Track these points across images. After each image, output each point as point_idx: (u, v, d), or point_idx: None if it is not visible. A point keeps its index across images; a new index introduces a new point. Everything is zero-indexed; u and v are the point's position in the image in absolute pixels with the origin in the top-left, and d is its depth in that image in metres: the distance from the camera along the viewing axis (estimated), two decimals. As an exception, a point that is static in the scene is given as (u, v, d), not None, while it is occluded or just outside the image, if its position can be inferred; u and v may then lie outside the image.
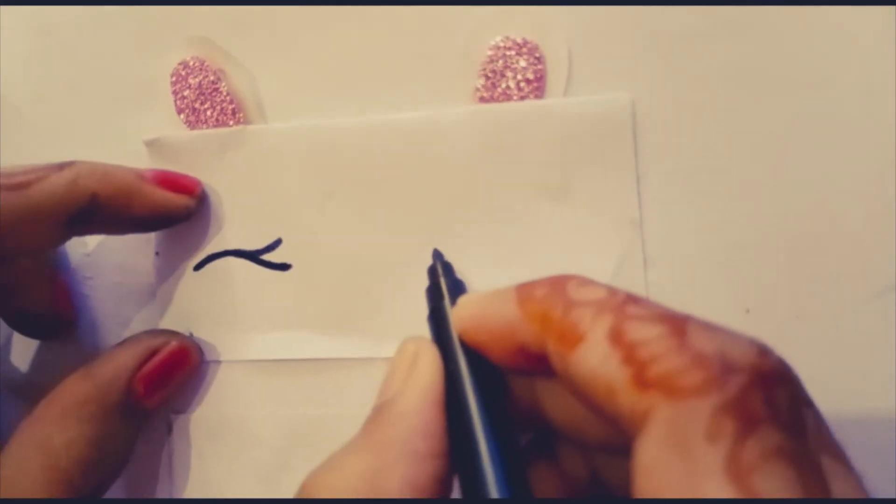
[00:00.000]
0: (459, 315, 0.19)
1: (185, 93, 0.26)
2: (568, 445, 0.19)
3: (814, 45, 0.22)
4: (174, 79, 0.26)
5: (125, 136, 0.27)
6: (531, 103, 0.23)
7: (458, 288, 0.21)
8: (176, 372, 0.25)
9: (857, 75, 0.22)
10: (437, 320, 0.20)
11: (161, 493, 0.27)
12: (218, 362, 0.26)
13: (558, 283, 0.17)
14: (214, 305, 0.26)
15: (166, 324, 0.27)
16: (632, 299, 0.15)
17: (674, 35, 0.23)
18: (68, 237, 0.23)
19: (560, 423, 0.18)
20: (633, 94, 0.23)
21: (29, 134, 0.29)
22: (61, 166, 0.22)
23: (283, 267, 0.26)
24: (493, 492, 0.16)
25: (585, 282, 0.17)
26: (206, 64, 0.26)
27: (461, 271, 0.24)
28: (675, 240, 0.23)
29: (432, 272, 0.22)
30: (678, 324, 0.14)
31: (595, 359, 0.14)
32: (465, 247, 0.24)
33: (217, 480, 0.26)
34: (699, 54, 0.22)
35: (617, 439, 0.17)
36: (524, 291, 0.17)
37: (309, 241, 0.25)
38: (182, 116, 0.26)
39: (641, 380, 0.13)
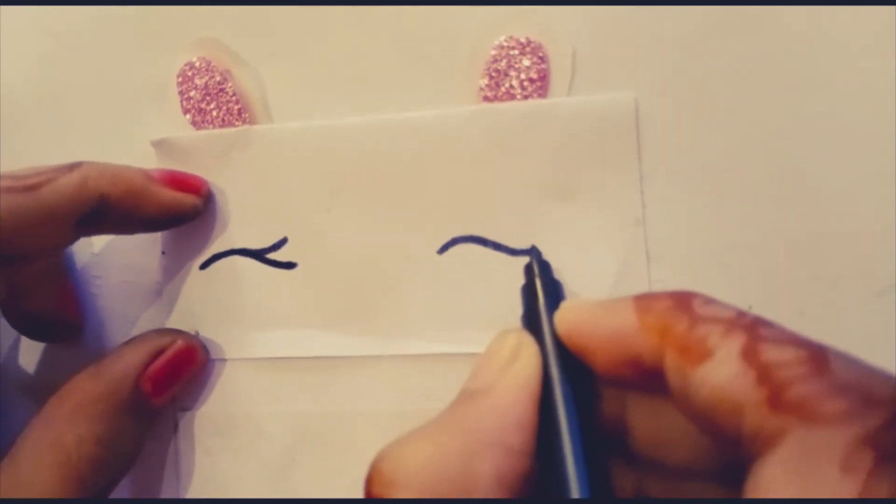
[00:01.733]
0: (565, 317, 0.19)
1: (192, 93, 0.26)
2: (624, 460, 0.19)
3: (815, 45, 0.22)
4: (180, 79, 0.26)
5: (132, 136, 0.27)
6: (535, 103, 0.24)
7: (554, 288, 0.21)
8: (183, 371, 0.25)
9: (858, 75, 0.22)
10: (532, 321, 0.19)
11: (167, 490, 0.27)
12: (224, 360, 0.26)
13: (683, 298, 0.16)
14: (220, 304, 0.26)
15: (173, 322, 0.27)
16: (762, 321, 0.15)
17: (677, 35, 0.23)
18: (77, 238, 0.24)
19: (641, 439, 0.18)
20: (636, 94, 0.23)
21: (35, 135, 0.29)
22: (70, 167, 0.23)
23: (289, 266, 0.26)
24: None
25: (710, 300, 0.16)
26: (212, 64, 0.26)
27: (466, 269, 0.24)
28: (679, 238, 0.23)
29: (528, 271, 0.21)
30: (818, 350, 0.14)
31: (724, 376, 0.14)
32: (470, 245, 0.24)
33: (224, 477, 0.26)
34: (703, 54, 0.23)
35: (698, 463, 0.17)
36: (644, 302, 0.17)
37: (314, 240, 0.25)
38: (188, 117, 0.26)
39: (777, 401, 0.13)
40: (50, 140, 0.29)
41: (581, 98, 0.23)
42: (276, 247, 0.26)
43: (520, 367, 0.18)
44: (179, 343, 0.25)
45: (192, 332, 0.26)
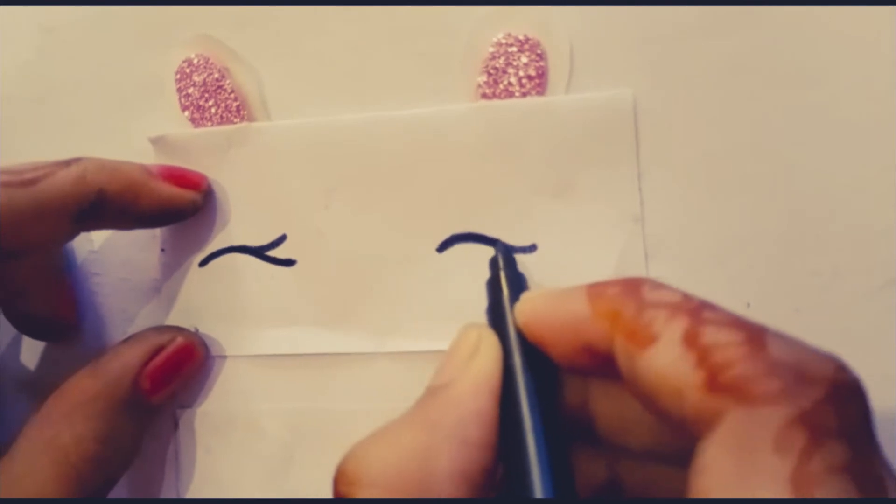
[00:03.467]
0: (522, 309, 0.19)
1: (190, 90, 0.26)
2: (593, 446, 0.19)
3: (814, 43, 0.22)
4: (178, 76, 0.26)
5: (130, 133, 0.27)
6: (533, 100, 0.24)
7: (518, 281, 0.21)
8: (181, 368, 0.25)
9: (857, 72, 0.22)
10: (496, 314, 0.20)
11: (167, 488, 0.27)
12: (223, 357, 0.26)
13: (632, 284, 0.17)
14: (219, 301, 0.26)
15: (172, 319, 0.27)
16: (707, 305, 0.15)
17: (675, 32, 0.23)
18: (76, 233, 0.24)
19: (605, 425, 0.18)
20: (634, 91, 0.23)
21: (33, 133, 0.29)
22: (68, 162, 0.23)
23: (288, 263, 0.26)
24: (539, 493, 0.16)
25: (659, 285, 0.17)
26: (210, 61, 0.26)
27: (464, 267, 0.24)
28: (677, 235, 0.23)
29: (494, 264, 0.21)
30: (756, 332, 0.14)
31: (667, 360, 0.15)
32: (468, 243, 0.24)
33: (224, 474, 0.26)
34: (701, 51, 0.23)
35: (661, 446, 0.17)
36: (595, 289, 0.17)
37: (313, 237, 0.25)
38: (186, 114, 0.26)
39: (714, 383, 0.13)
40: (48, 136, 0.29)
41: (579, 95, 0.23)
42: (275, 244, 0.26)
43: (480, 361, 0.18)
44: (178, 340, 0.25)
45: (192, 330, 0.26)
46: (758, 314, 0.22)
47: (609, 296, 0.17)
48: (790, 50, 0.22)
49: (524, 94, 0.24)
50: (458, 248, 0.24)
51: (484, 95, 0.24)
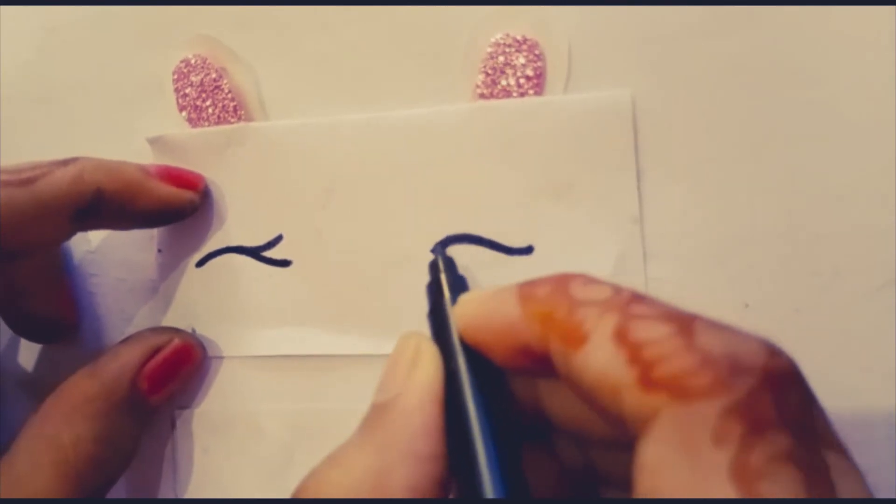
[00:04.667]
0: (460, 314, 0.18)
1: (187, 90, 0.26)
2: (565, 437, 0.19)
3: (814, 43, 0.22)
4: (176, 76, 0.26)
5: (128, 133, 0.27)
6: (531, 100, 0.23)
7: (460, 284, 0.21)
8: (179, 369, 0.25)
9: (857, 72, 0.22)
10: (437, 319, 0.19)
11: (164, 489, 0.27)
12: (221, 358, 0.26)
13: (561, 282, 0.16)
14: (217, 302, 0.26)
15: (169, 320, 0.27)
16: (637, 298, 0.15)
17: (674, 32, 0.23)
18: (73, 233, 0.24)
19: (561, 421, 0.18)
20: (633, 91, 0.23)
21: (32, 132, 0.29)
22: (65, 162, 0.23)
23: (283, 263, 0.26)
24: (490, 495, 0.16)
25: (589, 280, 0.16)
26: (207, 62, 0.26)
27: (462, 268, 0.24)
28: (675, 235, 0.23)
29: (433, 268, 0.21)
30: (685, 323, 0.14)
31: (599, 359, 0.14)
32: (466, 243, 0.24)
33: (222, 476, 0.26)
34: (699, 51, 0.23)
35: (619, 437, 0.16)
36: (526, 291, 0.17)
37: (310, 238, 0.25)
38: (184, 114, 0.26)
39: (647, 380, 0.13)
40: (46, 136, 0.29)
41: (577, 95, 0.23)
42: (271, 245, 0.26)
43: (421, 372, 0.18)
44: (176, 341, 0.25)
45: (189, 330, 0.26)
46: (758, 314, 0.22)
47: (539, 297, 0.16)
48: (790, 50, 0.22)
49: (522, 95, 0.24)
50: (456, 249, 0.24)
51: (482, 96, 0.24)
